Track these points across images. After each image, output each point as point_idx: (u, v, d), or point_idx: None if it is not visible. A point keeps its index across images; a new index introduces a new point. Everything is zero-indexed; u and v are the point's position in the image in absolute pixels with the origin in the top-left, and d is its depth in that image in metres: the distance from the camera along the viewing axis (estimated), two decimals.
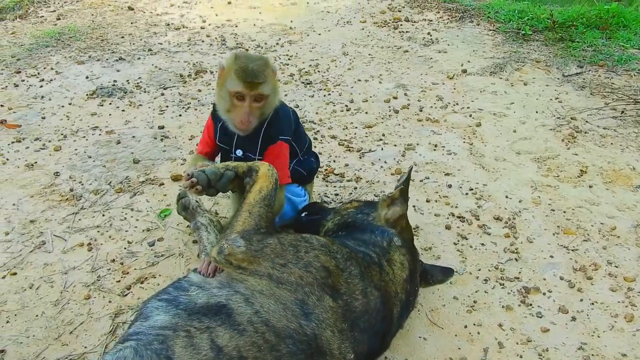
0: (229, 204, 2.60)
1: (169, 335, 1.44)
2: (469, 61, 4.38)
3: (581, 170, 2.96)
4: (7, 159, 3.00)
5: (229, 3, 5.84)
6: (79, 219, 2.56)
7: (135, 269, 2.27)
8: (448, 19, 5.40)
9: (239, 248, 1.67)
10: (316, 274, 1.64)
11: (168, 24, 5.19)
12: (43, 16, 5.36)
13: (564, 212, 2.67)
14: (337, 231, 2.11)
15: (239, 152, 2.19)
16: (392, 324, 1.80)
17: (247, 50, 4.58)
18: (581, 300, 2.17)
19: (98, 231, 2.48)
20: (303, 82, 4.00)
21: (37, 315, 2.04)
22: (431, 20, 5.36)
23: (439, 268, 2.16)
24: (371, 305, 1.69)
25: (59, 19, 5.29)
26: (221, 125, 2.16)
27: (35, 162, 2.97)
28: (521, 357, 1.93)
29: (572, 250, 2.43)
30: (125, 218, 2.57)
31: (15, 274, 2.23)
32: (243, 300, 1.55)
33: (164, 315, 1.53)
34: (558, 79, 4.06)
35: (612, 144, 3.22)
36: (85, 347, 1.92)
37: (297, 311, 1.55)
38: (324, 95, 3.81)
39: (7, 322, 2.01)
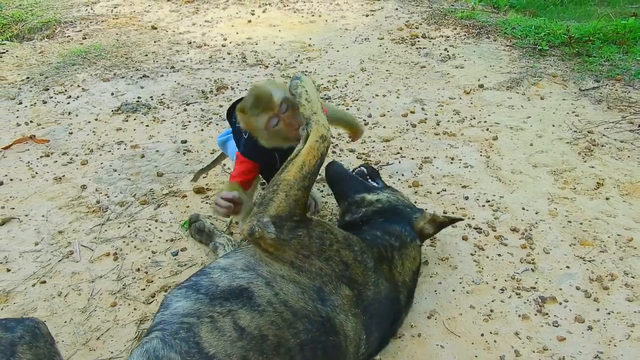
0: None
1: (194, 323, 1.50)
2: (485, 76, 4.42)
3: (598, 183, 2.98)
4: (37, 173, 3.11)
5: (249, 22, 5.97)
6: (105, 230, 2.64)
7: (159, 277, 2.35)
8: (465, 35, 5.45)
9: (269, 234, 1.72)
10: (335, 267, 1.76)
11: (190, 42, 5.32)
12: (69, 36, 5.54)
13: (581, 223, 2.68)
14: (373, 214, 2.22)
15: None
16: (400, 310, 1.96)
17: (267, 66, 4.68)
18: (597, 310, 2.18)
19: (123, 241, 2.56)
20: (322, 97, 4.07)
21: (65, 322, 2.12)
22: (448, 37, 5.42)
23: None
24: (381, 295, 1.84)
25: (85, 38, 5.46)
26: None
27: (63, 176, 3.08)
28: None
29: (589, 261, 2.44)
30: (150, 229, 2.65)
31: (44, 282, 2.32)
32: (264, 283, 1.65)
33: (185, 302, 1.59)
34: (575, 93, 4.08)
35: (629, 157, 3.23)
36: (112, 353, 1.99)
37: (314, 296, 1.67)
38: None
39: None
